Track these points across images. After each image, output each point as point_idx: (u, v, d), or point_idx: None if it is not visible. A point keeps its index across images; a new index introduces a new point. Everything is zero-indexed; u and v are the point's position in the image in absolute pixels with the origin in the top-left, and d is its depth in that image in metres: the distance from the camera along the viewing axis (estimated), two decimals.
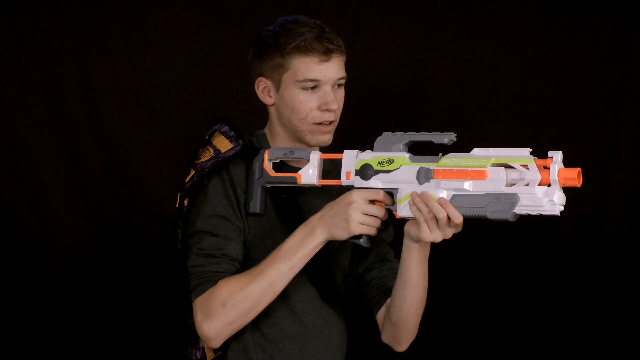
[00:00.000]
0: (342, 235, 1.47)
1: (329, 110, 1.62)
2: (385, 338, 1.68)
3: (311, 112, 1.62)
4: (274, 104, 1.66)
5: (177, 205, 1.65)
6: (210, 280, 1.54)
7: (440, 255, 2.55)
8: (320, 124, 1.63)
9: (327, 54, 1.59)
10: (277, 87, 1.64)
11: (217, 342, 1.54)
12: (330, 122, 1.64)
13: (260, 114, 1.75)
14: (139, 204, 2.69)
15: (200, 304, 1.53)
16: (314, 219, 1.51)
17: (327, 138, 1.67)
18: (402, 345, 1.66)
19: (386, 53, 2.63)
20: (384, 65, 2.63)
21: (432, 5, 2.60)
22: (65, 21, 2.60)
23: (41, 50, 2.60)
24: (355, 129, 2.59)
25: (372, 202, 1.48)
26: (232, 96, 2.66)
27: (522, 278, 2.65)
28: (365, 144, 2.55)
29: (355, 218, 1.46)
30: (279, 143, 1.70)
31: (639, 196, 2.57)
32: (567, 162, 1.20)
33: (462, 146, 2.59)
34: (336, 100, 1.62)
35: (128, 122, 2.67)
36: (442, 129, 1.53)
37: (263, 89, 1.66)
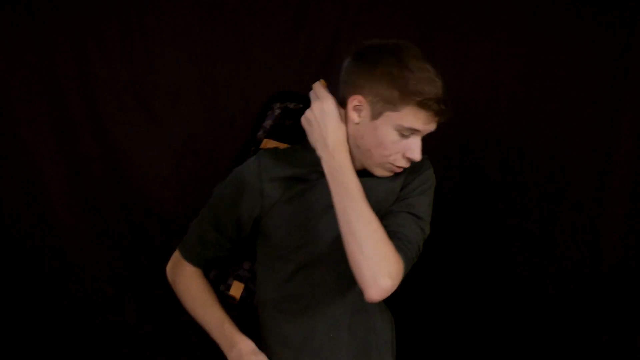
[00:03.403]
0: None
1: (410, 159, 1.63)
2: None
3: (395, 155, 1.63)
4: (358, 124, 1.62)
5: None
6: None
7: (439, 256, 2.56)
8: (397, 166, 1.65)
9: (440, 115, 1.59)
10: (374, 115, 1.60)
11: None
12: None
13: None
14: (139, 204, 2.69)
15: (174, 255, 1.81)
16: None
17: (391, 174, 1.68)
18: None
19: None
20: None
21: (432, 5, 2.60)
22: (65, 21, 2.60)
23: (41, 50, 2.60)
24: None
25: None
26: (232, 96, 2.65)
27: (521, 280, 2.65)
28: None
29: None
30: None
31: (639, 197, 2.57)
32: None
33: (462, 146, 2.60)
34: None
35: (128, 122, 2.67)
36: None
37: (355, 106, 1.61)
